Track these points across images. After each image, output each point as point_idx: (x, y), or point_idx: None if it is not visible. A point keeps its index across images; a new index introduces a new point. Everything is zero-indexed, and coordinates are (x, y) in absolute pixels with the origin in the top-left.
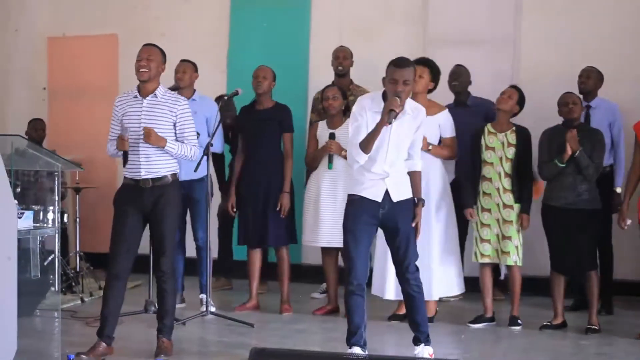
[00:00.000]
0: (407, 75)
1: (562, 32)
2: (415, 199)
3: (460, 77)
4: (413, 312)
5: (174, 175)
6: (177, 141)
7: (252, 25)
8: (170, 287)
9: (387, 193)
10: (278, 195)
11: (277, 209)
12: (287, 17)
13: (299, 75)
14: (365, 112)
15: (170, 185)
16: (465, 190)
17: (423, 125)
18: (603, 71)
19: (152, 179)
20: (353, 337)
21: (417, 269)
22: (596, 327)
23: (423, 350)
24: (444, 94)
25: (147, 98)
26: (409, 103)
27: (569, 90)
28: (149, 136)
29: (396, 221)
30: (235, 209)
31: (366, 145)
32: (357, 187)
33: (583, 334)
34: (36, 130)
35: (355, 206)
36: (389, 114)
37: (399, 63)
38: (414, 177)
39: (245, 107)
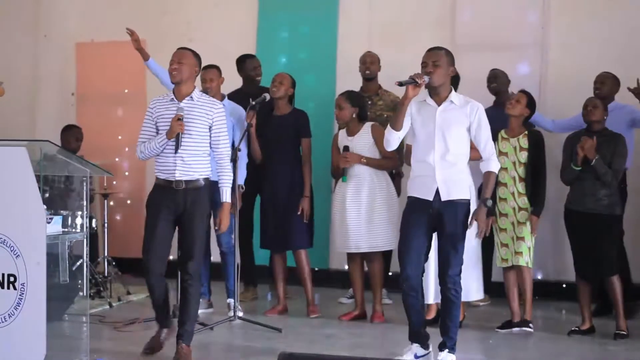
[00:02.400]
0: (434, 57)
1: (590, 36)
2: (481, 199)
3: (498, 78)
4: (445, 316)
5: (207, 179)
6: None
7: (280, 30)
8: (195, 292)
9: (437, 192)
10: (298, 200)
11: (299, 212)
12: (315, 22)
13: (327, 80)
14: (410, 102)
15: (202, 189)
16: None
17: (483, 122)
18: (634, 75)
19: (185, 181)
20: (412, 336)
21: (459, 274)
22: (624, 332)
23: (446, 356)
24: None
25: (184, 101)
26: (458, 96)
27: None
28: (223, 220)
29: (443, 222)
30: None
31: (394, 120)
32: (411, 188)
33: (611, 339)
34: (77, 139)
35: (409, 208)
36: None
37: (429, 48)
38: (485, 178)
39: (263, 113)
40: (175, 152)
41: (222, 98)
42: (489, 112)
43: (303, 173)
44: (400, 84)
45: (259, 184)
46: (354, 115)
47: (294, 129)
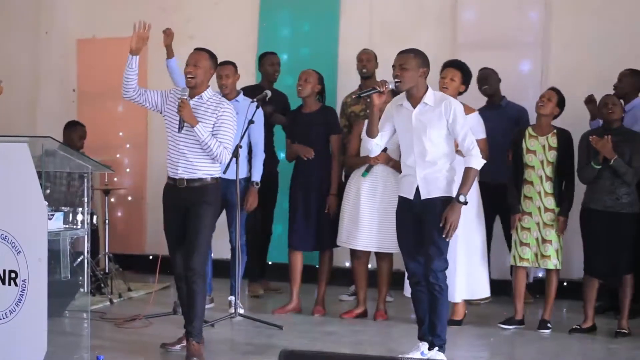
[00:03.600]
0: (401, 60)
1: (592, 34)
2: (456, 195)
3: (488, 79)
4: (431, 313)
5: (214, 179)
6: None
7: (281, 28)
8: (200, 288)
9: (417, 190)
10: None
11: (326, 211)
12: (316, 21)
13: (328, 79)
14: (391, 105)
15: (206, 187)
16: (510, 195)
17: (458, 118)
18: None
19: (187, 179)
20: (419, 332)
21: (442, 270)
22: (626, 331)
23: (436, 354)
24: (475, 95)
25: (194, 99)
26: (434, 95)
27: (599, 92)
28: (184, 107)
29: (423, 219)
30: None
31: (368, 128)
32: (400, 187)
33: (612, 338)
34: (81, 137)
35: (398, 207)
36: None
37: (399, 52)
38: (464, 174)
39: (293, 112)
40: (178, 131)
41: (237, 94)
42: (483, 113)
43: (332, 170)
44: (359, 96)
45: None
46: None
47: (323, 126)
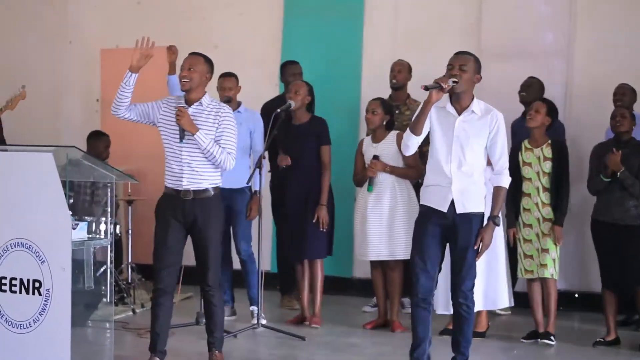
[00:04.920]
0: (462, 61)
1: (616, 45)
2: (490, 216)
3: (529, 88)
4: (457, 331)
5: (216, 188)
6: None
7: (305, 37)
8: (218, 301)
9: (452, 203)
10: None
11: (314, 220)
12: (340, 28)
13: (352, 87)
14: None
15: (212, 198)
16: (507, 209)
17: (501, 133)
18: None
19: (193, 190)
20: (415, 350)
21: (472, 289)
22: None
23: None
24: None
25: (193, 106)
26: (480, 104)
27: None
28: (182, 116)
29: (456, 235)
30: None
31: (414, 124)
32: (425, 196)
33: (636, 351)
34: (106, 147)
35: (422, 217)
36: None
37: (457, 52)
38: (495, 193)
39: (283, 123)
40: (180, 141)
41: (237, 106)
42: (518, 123)
43: (322, 181)
44: (426, 88)
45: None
46: (384, 122)
47: (313, 137)
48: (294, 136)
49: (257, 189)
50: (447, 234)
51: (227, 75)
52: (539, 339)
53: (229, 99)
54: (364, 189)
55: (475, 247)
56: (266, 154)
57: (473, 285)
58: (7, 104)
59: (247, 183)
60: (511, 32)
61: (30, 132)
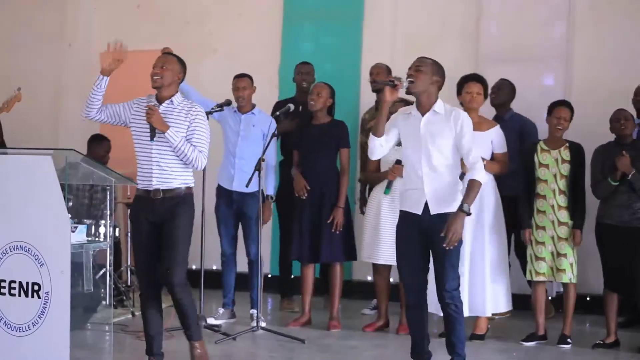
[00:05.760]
0: (418, 62)
1: (615, 49)
2: (460, 206)
3: (500, 90)
4: (449, 333)
5: (189, 188)
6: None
7: (304, 41)
8: (187, 299)
9: (426, 205)
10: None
11: (328, 221)
12: (339, 33)
13: (350, 91)
14: (398, 114)
15: (183, 197)
16: (522, 209)
17: (466, 130)
18: None
19: (163, 189)
20: (413, 350)
21: (457, 288)
22: None
23: None
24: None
25: (164, 104)
26: (444, 106)
27: (623, 107)
28: (152, 114)
29: (433, 237)
30: (307, 190)
31: (374, 125)
32: (402, 201)
33: (636, 353)
34: (106, 151)
35: (400, 222)
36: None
37: (419, 57)
38: (468, 185)
39: (302, 123)
40: (151, 140)
41: (252, 107)
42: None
43: (340, 183)
44: (375, 82)
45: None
46: None
47: (332, 139)
48: (313, 136)
49: (270, 193)
50: (425, 237)
51: (241, 76)
52: (559, 344)
53: (229, 102)
54: (378, 191)
55: (442, 234)
56: (268, 155)
57: (458, 285)
58: (2, 105)
59: (246, 186)
60: (510, 36)
61: (30, 134)
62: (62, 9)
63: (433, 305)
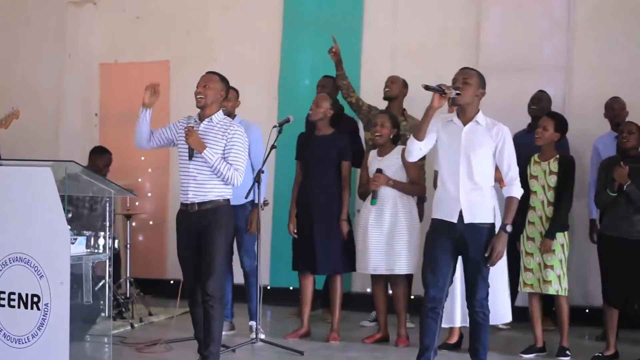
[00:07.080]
0: (465, 75)
1: (615, 59)
2: (501, 225)
3: (540, 102)
4: (475, 340)
5: (226, 200)
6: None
7: (304, 50)
8: (218, 313)
9: (461, 214)
10: (333, 223)
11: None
12: (339, 42)
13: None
14: (437, 121)
15: (219, 209)
16: (518, 220)
17: (508, 145)
18: None
19: (198, 202)
20: (419, 358)
21: (486, 297)
22: None
23: None
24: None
25: (204, 122)
26: (486, 118)
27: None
28: (190, 136)
29: (467, 246)
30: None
31: (417, 129)
32: (435, 209)
33: None
34: (106, 165)
35: (433, 230)
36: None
37: (462, 67)
38: (506, 203)
39: (303, 134)
40: (189, 159)
41: (232, 119)
42: (523, 136)
43: (342, 196)
44: (427, 87)
45: None
46: (391, 136)
47: (334, 151)
48: (315, 147)
49: (257, 202)
50: (458, 247)
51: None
52: (557, 357)
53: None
54: (367, 202)
55: (486, 255)
56: (265, 168)
57: (487, 295)
58: (0, 122)
59: (246, 198)
60: (510, 46)
61: (29, 146)
62: (62, 20)
63: (458, 319)
